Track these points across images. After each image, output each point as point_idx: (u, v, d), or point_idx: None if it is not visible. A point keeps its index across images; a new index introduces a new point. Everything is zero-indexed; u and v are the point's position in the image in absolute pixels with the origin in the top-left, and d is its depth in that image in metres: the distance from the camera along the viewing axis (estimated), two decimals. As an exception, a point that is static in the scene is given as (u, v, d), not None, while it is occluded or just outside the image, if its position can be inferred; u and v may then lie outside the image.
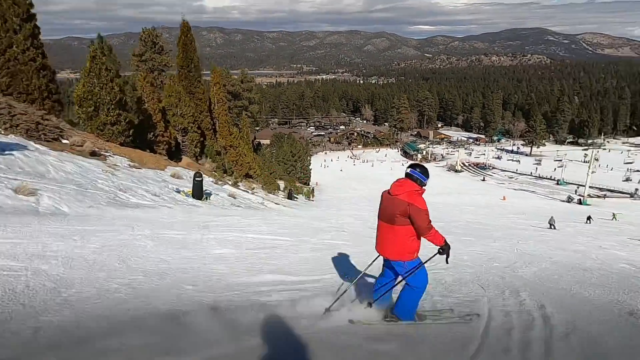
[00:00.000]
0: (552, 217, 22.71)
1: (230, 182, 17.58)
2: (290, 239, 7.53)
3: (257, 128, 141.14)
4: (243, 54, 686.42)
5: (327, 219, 13.55)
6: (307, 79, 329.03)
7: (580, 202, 45.37)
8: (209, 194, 12.06)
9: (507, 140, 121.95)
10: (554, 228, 21.40)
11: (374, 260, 3.98)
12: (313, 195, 31.99)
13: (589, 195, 47.60)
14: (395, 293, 3.65)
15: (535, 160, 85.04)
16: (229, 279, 4.43)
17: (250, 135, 46.18)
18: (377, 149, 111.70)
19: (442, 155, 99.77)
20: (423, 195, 3.42)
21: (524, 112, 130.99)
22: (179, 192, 10.96)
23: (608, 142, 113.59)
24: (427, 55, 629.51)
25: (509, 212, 31.02)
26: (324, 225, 10.97)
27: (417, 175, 3.47)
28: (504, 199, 44.68)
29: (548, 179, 67.48)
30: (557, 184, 62.95)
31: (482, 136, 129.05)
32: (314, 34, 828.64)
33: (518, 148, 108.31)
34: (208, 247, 5.77)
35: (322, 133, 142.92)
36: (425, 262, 3.49)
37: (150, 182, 10.71)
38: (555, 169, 75.84)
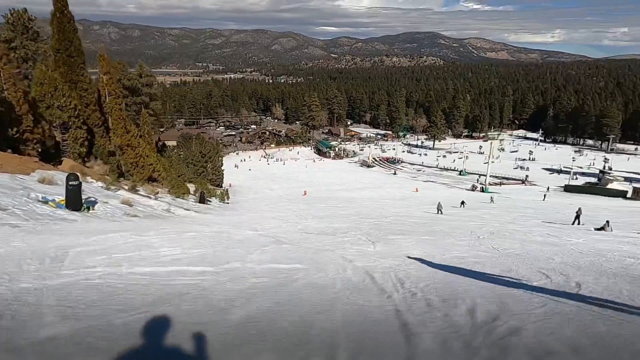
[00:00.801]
0: (439, 203, 24.30)
1: (127, 187, 14.58)
2: (210, 268, 4.87)
3: (162, 129, 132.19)
4: (142, 51, 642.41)
5: (251, 225, 11.52)
6: (214, 78, 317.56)
7: (482, 190, 48.66)
8: (93, 203, 9.37)
9: (412, 136, 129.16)
10: (441, 213, 22.63)
11: None
12: (228, 198, 29.32)
13: (490, 184, 51.34)
14: None
15: (445, 152, 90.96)
16: None
17: (153, 134, 41.69)
18: (291, 148, 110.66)
19: (353, 151, 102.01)
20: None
21: (424, 109, 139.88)
22: (46, 202, 8.17)
23: (500, 133, 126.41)
24: (333, 55, 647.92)
25: (423, 203, 31.51)
26: (250, 234, 9.00)
27: None
28: (416, 190, 46.11)
29: (452, 170, 72.22)
30: (460, 174, 67.51)
31: (390, 132, 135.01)
32: (219, 32, 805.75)
33: (422, 142, 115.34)
34: (31, 320, 2.65)
35: (233, 133, 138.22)
36: None
37: (-1, 191, 7.73)
38: (454, 160, 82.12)
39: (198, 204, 20.22)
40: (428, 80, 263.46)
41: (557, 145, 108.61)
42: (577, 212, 18.86)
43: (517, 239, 11.05)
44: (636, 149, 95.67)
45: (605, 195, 42.79)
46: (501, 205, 30.23)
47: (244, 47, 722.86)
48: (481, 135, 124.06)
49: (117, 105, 22.54)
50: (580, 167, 62.86)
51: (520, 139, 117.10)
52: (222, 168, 51.92)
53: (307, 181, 58.11)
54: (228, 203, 26.99)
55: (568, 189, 48.00)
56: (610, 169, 60.96)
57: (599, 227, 15.17)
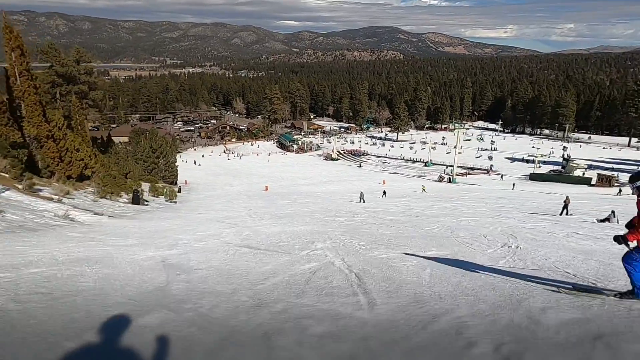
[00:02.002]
0: (361, 192, 24.65)
1: (21, 186, 11.13)
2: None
3: (114, 125, 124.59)
4: (94, 44, 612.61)
5: (171, 238, 8.47)
6: (171, 72, 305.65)
7: (450, 181, 47.46)
8: None
9: (375, 128, 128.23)
10: (364, 201, 22.66)
11: None
12: (175, 196, 25.85)
13: (457, 174, 50.25)
14: None
15: (410, 144, 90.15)
16: None
17: (87, 125, 37.19)
18: (252, 142, 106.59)
19: (317, 145, 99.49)
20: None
21: (387, 101, 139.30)
22: None
23: (465, 123, 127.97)
24: (295, 49, 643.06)
25: (394, 196, 29.39)
26: (165, 255, 6.04)
27: None
28: (384, 183, 44.11)
29: (417, 161, 71.22)
30: (425, 165, 66.56)
31: (353, 125, 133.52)
32: (176, 25, 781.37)
33: (386, 135, 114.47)
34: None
35: (192, 128, 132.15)
36: None
37: None
38: (415, 151, 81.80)
39: (130, 204, 16.84)
40: (389, 73, 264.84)
41: (516, 135, 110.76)
42: (564, 202, 17.05)
43: (563, 246, 7.94)
44: (589, 138, 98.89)
45: (569, 183, 42.53)
46: (476, 196, 28.48)
47: (202, 41, 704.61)
48: (443, 126, 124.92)
49: (30, 89, 18.66)
50: (544, 156, 63.27)
51: (480, 130, 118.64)
52: (177, 164, 47.82)
53: (269, 176, 55.01)
54: (175, 202, 23.57)
55: (533, 177, 47.67)
56: (569, 156, 61.80)
57: (602, 218, 13.21)
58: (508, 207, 20.67)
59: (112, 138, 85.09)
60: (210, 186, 44.87)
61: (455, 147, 52.55)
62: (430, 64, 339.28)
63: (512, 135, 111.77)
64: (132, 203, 16.94)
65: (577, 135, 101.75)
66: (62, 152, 18.60)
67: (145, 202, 18.34)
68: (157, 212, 15.68)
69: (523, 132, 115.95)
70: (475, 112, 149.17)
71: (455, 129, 55.82)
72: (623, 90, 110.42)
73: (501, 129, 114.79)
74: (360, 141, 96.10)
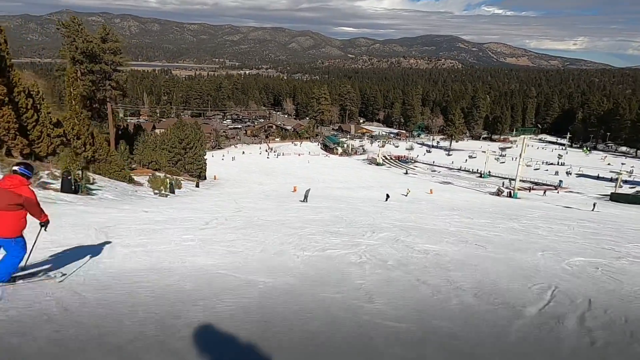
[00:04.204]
0: (307, 190, 22.80)
1: None
2: None
3: (164, 119, 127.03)
4: (161, 45, 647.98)
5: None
6: (228, 73, 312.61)
7: (510, 195, 40.87)
8: None
9: (427, 135, 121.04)
10: (306, 201, 20.89)
11: None
12: (174, 189, 22.18)
13: (518, 188, 43.38)
14: None
15: (469, 155, 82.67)
16: None
17: (110, 108, 35.00)
18: (296, 142, 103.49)
19: (363, 148, 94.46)
20: None
21: (442, 109, 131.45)
22: None
23: (534, 129, 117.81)
24: (350, 55, 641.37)
25: (441, 208, 24.06)
26: None
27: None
28: (431, 192, 38.53)
29: (470, 172, 64.29)
30: (481, 176, 59.65)
31: (403, 131, 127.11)
32: (237, 29, 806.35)
33: (437, 143, 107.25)
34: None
35: (239, 126, 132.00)
36: None
37: None
38: (466, 160, 74.69)
39: (61, 192, 12.93)
40: (446, 82, 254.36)
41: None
42: None
43: None
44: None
45: (664, 207, 34.54)
46: (549, 216, 22.54)
47: (261, 45, 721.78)
48: (502, 137, 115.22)
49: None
50: (627, 172, 54.14)
51: (544, 143, 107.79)
52: (205, 157, 44.93)
53: (305, 177, 50.91)
54: (167, 195, 19.87)
55: (615, 197, 39.81)
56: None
57: None
58: (603, 233, 14.92)
59: (157, 129, 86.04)
60: (238, 183, 41.55)
61: (520, 155, 45.44)
62: (490, 74, 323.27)
63: (582, 150, 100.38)
64: (62, 191, 13.02)
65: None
66: (28, 123, 15.28)
67: (87, 190, 14.26)
68: (76, 205, 11.72)
69: (595, 148, 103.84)
70: (539, 125, 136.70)
71: (522, 134, 48.63)
72: None
73: (569, 143, 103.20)
74: (412, 148, 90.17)
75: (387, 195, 27.35)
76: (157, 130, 74.93)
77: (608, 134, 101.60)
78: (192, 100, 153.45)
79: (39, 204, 4.27)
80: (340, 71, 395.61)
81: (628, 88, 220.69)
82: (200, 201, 18.50)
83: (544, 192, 47.40)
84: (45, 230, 4.54)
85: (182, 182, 28.47)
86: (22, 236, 4.29)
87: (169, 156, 40.06)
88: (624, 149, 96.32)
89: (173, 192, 22.07)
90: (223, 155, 77.66)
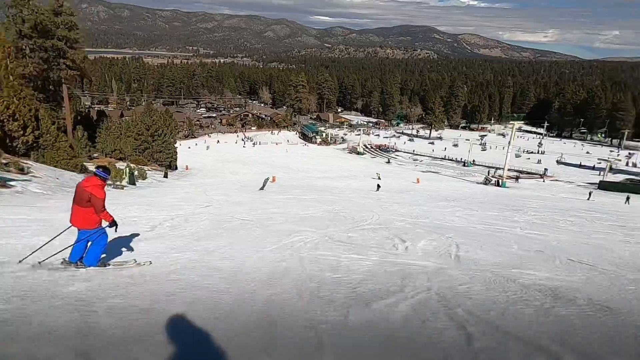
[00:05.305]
0: (265, 179, 22.60)
1: None
2: None
3: (130, 106, 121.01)
4: (131, 32, 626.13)
5: None
6: (202, 61, 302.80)
7: (498, 184, 39.40)
8: None
9: (406, 125, 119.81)
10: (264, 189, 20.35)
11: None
12: (129, 180, 19.12)
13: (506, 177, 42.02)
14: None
15: (453, 143, 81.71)
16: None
17: (65, 90, 31.24)
18: (273, 131, 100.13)
19: (342, 138, 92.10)
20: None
21: (420, 98, 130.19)
22: None
23: (517, 116, 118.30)
24: (327, 45, 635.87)
25: (435, 198, 21.98)
26: None
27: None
28: (418, 181, 36.56)
29: (453, 160, 62.96)
30: (465, 165, 58.35)
31: (382, 120, 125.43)
32: (211, 16, 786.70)
33: (417, 132, 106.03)
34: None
35: (214, 115, 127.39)
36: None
37: None
38: (445, 148, 73.67)
39: None
40: (422, 72, 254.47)
41: (563, 140, 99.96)
42: None
43: None
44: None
45: (655, 196, 33.66)
46: (548, 206, 20.79)
47: (236, 33, 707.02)
48: (480, 126, 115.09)
49: None
50: (619, 161, 53.70)
51: (521, 132, 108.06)
52: (176, 146, 41.61)
53: (284, 166, 48.25)
54: (124, 187, 16.88)
55: (604, 186, 38.88)
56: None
57: None
58: (618, 224, 13.09)
59: (126, 117, 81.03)
60: (211, 173, 38.56)
61: (509, 143, 43.90)
62: (466, 64, 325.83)
63: (559, 139, 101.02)
64: None
65: (632, 143, 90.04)
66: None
67: (3, 181, 11.21)
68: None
69: (571, 137, 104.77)
70: (514, 114, 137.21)
71: (510, 121, 47.22)
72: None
73: (546, 132, 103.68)
74: (395, 136, 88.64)
75: (378, 186, 25.09)
76: (125, 118, 70.53)
77: (580, 121, 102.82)
78: (164, 88, 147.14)
79: (103, 204, 4.77)
80: (317, 60, 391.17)
81: (597, 79, 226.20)
82: (163, 194, 15.68)
83: (543, 179, 46.85)
84: (115, 231, 5.01)
85: (147, 172, 25.36)
86: (102, 227, 4.96)
87: (135, 144, 36.61)
88: (598, 137, 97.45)
89: (134, 184, 19.09)
90: (196, 144, 73.95)
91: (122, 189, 16.35)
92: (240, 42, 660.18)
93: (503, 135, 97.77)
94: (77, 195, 4.76)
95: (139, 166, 26.71)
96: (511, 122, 45.26)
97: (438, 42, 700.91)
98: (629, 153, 68.43)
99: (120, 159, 33.49)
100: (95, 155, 34.52)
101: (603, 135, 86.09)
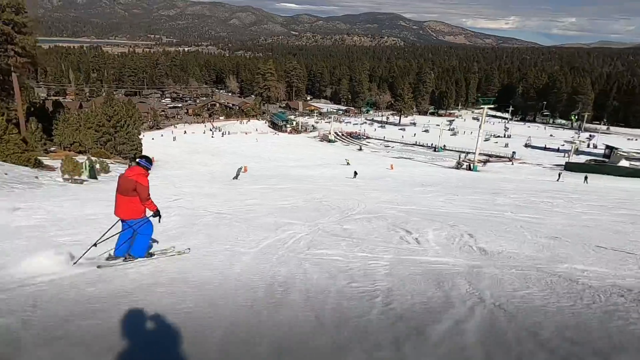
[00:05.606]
0: (238, 168, 22.32)
1: None
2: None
3: (90, 97, 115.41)
4: (88, 19, 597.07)
5: None
6: (165, 50, 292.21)
7: (470, 168, 39.86)
8: None
9: (376, 112, 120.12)
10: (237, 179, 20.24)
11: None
12: (89, 174, 17.72)
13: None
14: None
15: (423, 129, 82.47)
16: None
17: (16, 80, 28.93)
18: (242, 121, 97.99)
19: (313, 126, 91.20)
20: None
21: (388, 85, 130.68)
22: None
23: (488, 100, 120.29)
24: (294, 32, 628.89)
25: (411, 184, 21.72)
26: None
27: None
28: (392, 167, 36.40)
29: (424, 146, 63.52)
30: (435, 150, 58.97)
31: (352, 108, 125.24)
32: (173, 3, 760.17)
33: (387, 118, 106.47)
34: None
35: (180, 105, 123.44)
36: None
37: None
38: (414, 134, 74.23)
39: None
40: (390, 59, 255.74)
41: (527, 124, 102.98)
42: None
43: None
44: (608, 128, 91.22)
45: (618, 175, 34.93)
46: (523, 188, 20.95)
47: (200, 20, 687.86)
48: (448, 112, 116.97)
49: None
50: (583, 142, 55.58)
51: (487, 117, 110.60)
52: (140, 137, 39.67)
53: (255, 156, 47.12)
54: (83, 181, 15.56)
55: (570, 167, 40.05)
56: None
57: None
58: (598, 203, 13.13)
59: (85, 109, 77.06)
60: (179, 164, 37.10)
61: (480, 127, 44.45)
62: (432, 51, 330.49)
63: (523, 123, 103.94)
64: None
65: (591, 125, 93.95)
66: None
67: None
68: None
69: (534, 121, 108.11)
70: (485, 98, 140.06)
71: (481, 105, 47.77)
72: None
73: (510, 117, 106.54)
74: (366, 122, 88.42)
75: (355, 172, 24.70)
76: (84, 110, 67.01)
77: (543, 105, 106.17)
78: (125, 78, 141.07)
79: (148, 193, 4.84)
80: (285, 48, 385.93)
81: (556, 64, 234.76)
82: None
83: (512, 162, 47.86)
84: (159, 222, 5.12)
85: (110, 165, 23.80)
86: (147, 217, 4.99)
87: (96, 136, 34.56)
88: (561, 121, 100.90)
89: (95, 178, 17.72)
90: (162, 135, 71.38)
91: (82, 183, 15.02)
92: (205, 30, 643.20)
93: (477, 119, 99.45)
94: (122, 186, 4.78)
95: (101, 159, 25.06)
96: (482, 105, 45.50)
97: (404, 29, 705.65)
98: (590, 135, 71.30)
99: (81, 152, 31.48)
100: (53, 149, 32.35)
101: (575, 117, 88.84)
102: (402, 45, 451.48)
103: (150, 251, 5.23)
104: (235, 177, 20.65)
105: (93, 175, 17.62)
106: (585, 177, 29.79)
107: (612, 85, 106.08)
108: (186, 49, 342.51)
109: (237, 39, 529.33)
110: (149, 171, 5.01)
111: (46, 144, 30.57)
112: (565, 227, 8.00)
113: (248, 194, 12.74)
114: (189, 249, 5.44)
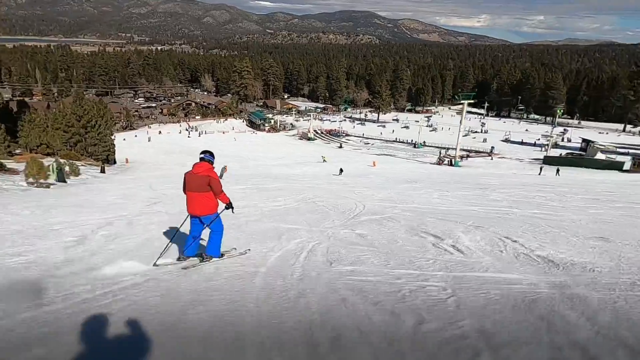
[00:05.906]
0: (222, 168, 19.82)
1: None
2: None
3: (58, 97, 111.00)
4: (55, 17, 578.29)
5: None
6: (137, 49, 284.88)
7: (451, 164, 39.95)
8: None
9: (354, 109, 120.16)
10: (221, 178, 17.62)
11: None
12: (57, 177, 16.53)
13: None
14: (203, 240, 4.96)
15: (403, 125, 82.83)
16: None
17: None
18: (219, 120, 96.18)
19: (291, 124, 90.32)
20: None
21: (366, 82, 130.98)
22: None
23: (450, 108, 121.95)
24: (269, 30, 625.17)
25: (395, 181, 21.26)
26: None
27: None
28: (374, 164, 36.06)
29: (404, 142, 63.67)
30: (415, 147, 59.10)
31: (330, 106, 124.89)
32: (145, 1, 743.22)
33: (365, 115, 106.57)
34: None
35: (154, 105, 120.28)
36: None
37: None
38: (393, 131, 74.49)
39: None
40: (366, 56, 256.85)
41: (503, 119, 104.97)
42: None
43: None
44: (579, 123, 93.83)
45: (595, 168, 35.61)
46: (509, 183, 20.76)
47: (172, 19, 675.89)
48: (425, 108, 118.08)
49: None
50: (557, 136, 56.69)
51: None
52: (113, 137, 38.00)
53: (234, 155, 45.86)
54: (50, 185, 14.43)
55: (548, 161, 40.64)
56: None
57: None
58: (590, 196, 12.95)
59: (53, 109, 73.87)
60: (155, 165, 35.65)
61: (460, 122, 44.67)
62: (407, 49, 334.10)
63: (498, 119, 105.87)
64: None
65: (564, 120, 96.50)
66: None
67: None
68: None
69: (509, 116, 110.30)
70: (456, 96, 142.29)
71: (460, 101, 47.98)
72: (616, 74, 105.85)
73: (486, 112, 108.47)
74: (345, 120, 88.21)
75: (341, 170, 24.24)
76: (52, 110, 64.18)
77: (517, 101, 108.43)
78: (96, 77, 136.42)
79: (220, 185, 4.80)
80: (260, 46, 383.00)
81: (527, 61, 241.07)
82: (100, 191, 13.47)
83: (491, 157, 48.25)
84: (232, 212, 5.10)
85: (80, 167, 22.45)
86: (218, 213, 4.94)
87: (65, 137, 32.82)
88: (534, 116, 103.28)
89: (64, 181, 16.51)
90: (136, 135, 69.22)
91: (48, 187, 13.84)
92: (178, 29, 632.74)
93: (453, 115, 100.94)
94: (193, 183, 4.76)
95: (71, 161, 23.63)
96: (462, 100, 45.70)
97: (379, 27, 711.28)
98: (564, 129, 73.00)
99: (49, 155, 29.77)
100: (18, 151, 30.50)
101: (562, 111, 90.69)
102: (378, 43, 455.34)
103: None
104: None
105: (61, 178, 16.41)
106: (557, 170, 30.52)
107: (582, 81, 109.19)
108: (159, 48, 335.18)
109: (212, 38, 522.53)
110: (213, 164, 5.00)
111: (10, 146, 28.74)
112: (589, 224, 7.51)
113: (232, 195, 11.96)
114: (249, 249, 5.42)
